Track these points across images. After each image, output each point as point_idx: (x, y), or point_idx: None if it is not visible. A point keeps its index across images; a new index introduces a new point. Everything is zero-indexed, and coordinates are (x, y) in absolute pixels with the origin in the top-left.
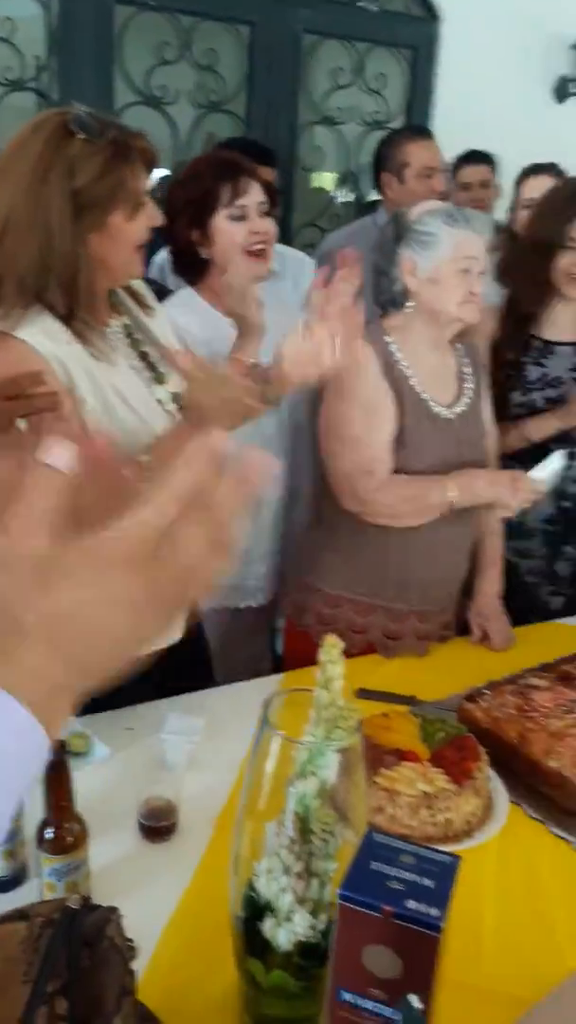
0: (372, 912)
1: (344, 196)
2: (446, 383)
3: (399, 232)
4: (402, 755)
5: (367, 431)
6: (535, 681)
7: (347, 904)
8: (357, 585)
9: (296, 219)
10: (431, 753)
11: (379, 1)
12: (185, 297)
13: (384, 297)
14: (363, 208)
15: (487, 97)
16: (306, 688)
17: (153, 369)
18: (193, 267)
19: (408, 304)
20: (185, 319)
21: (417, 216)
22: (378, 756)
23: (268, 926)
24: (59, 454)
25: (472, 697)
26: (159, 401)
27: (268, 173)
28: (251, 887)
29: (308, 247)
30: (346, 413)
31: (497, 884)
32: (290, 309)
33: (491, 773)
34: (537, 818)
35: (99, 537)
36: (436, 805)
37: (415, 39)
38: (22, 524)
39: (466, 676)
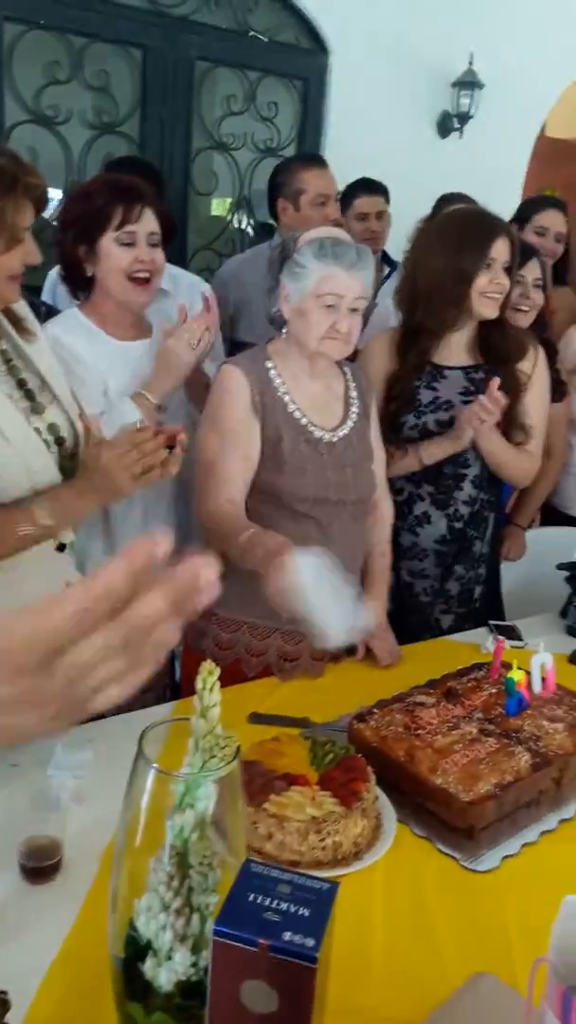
0: (248, 946)
1: (238, 220)
2: (328, 407)
3: (283, 258)
4: (292, 780)
5: (219, 456)
6: (422, 698)
7: (222, 939)
8: (254, 608)
9: (191, 242)
10: (320, 776)
11: (270, 32)
12: (70, 317)
13: (270, 318)
14: (257, 232)
15: (375, 129)
16: (186, 717)
17: (31, 398)
18: (80, 282)
19: (284, 330)
20: (69, 339)
21: (299, 244)
22: (268, 782)
23: (149, 966)
24: None
25: (361, 716)
26: (36, 431)
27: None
28: (132, 926)
29: (204, 270)
30: (206, 437)
31: (384, 905)
32: None
33: (379, 792)
34: (423, 836)
35: None
36: (324, 829)
37: (305, 70)
38: None
39: (359, 695)
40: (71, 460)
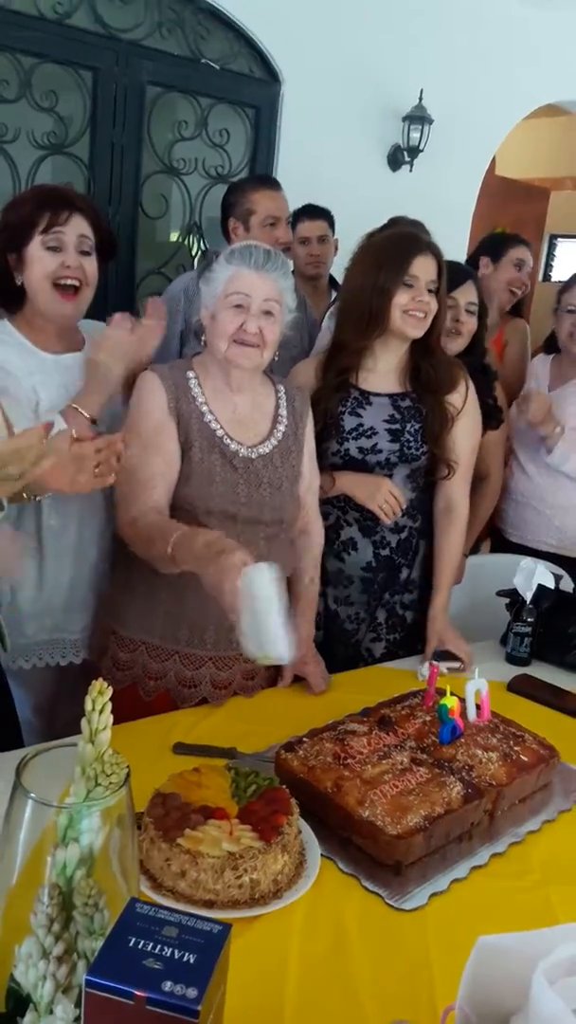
0: (123, 999)
1: (189, 245)
2: (251, 423)
3: (205, 271)
4: (209, 813)
5: (139, 461)
6: (354, 727)
7: (94, 991)
8: (152, 628)
9: (140, 267)
10: (240, 809)
11: (222, 60)
12: (0, 330)
13: (195, 332)
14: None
15: (326, 159)
16: (74, 743)
17: None
18: (10, 293)
19: (204, 340)
20: (1, 353)
21: (219, 257)
22: (184, 815)
23: (28, 1022)
24: None
25: (290, 746)
26: None
27: None
28: (13, 977)
29: (154, 294)
30: (127, 444)
31: (301, 948)
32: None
33: (304, 827)
34: (349, 873)
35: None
36: (241, 866)
37: (257, 99)
38: None
39: (292, 725)
40: None
